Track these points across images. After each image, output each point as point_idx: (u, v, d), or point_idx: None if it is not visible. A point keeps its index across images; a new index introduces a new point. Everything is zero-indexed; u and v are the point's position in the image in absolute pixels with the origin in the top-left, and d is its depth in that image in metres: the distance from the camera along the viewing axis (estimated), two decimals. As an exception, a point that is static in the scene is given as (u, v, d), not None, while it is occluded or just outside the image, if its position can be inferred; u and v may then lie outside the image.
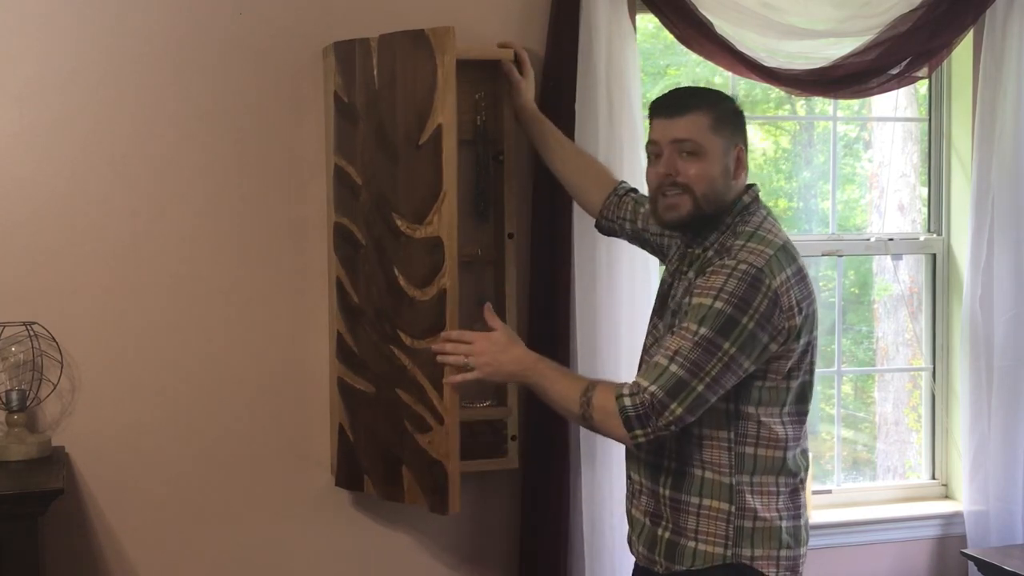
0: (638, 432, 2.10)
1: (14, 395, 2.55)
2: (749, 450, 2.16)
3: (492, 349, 2.31)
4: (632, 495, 2.32)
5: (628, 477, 2.34)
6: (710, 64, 3.06)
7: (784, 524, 2.19)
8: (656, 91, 3.35)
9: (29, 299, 2.62)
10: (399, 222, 2.52)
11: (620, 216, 2.62)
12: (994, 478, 3.23)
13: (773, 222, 2.22)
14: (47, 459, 2.54)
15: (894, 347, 3.60)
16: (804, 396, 2.21)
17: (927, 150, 3.46)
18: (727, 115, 2.22)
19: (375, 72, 2.56)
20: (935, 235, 3.45)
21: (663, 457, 2.22)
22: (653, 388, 2.08)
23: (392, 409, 2.56)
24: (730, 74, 3.12)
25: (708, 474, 2.17)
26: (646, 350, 2.35)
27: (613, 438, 2.19)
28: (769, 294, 2.08)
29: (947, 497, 3.45)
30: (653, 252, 2.61)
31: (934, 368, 3.46)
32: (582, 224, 2.87)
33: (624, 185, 2.67)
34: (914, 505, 3.40)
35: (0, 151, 2.62)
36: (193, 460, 2.77)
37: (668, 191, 2.21)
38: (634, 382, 2.13)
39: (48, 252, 2.65)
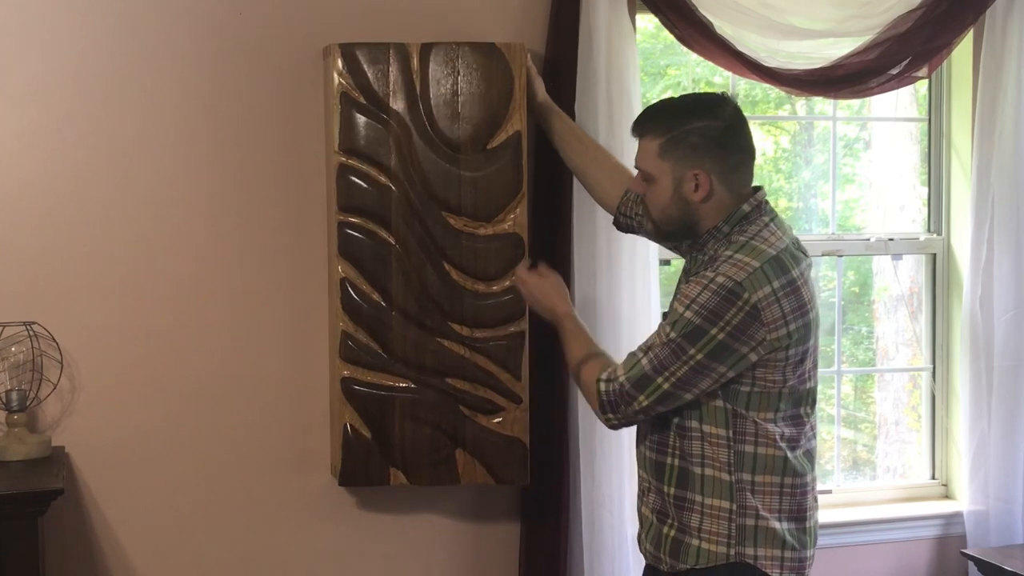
0: (610, 416, 2.23)
1: (14, 395, 2.55)
2: (749, 448, 2.16)
3: (539, 286, 2.47)
4: (642, 493, 2.34)
5: (639, 475, 2.36)
6: (710, 64, 3.07)
7: (787, 525, 2.18)
8: (656, 91, 3.36)
9: (29, 299, 2.62)
10: (453, 220, 2.67)
11: (639, 213, 2.59)
12: (994, 478, 3.23)
13: (774, 229, 2.19)
14: (47, 459, 2.54)
15: (894, 347, 3.60)
16: (800, 400, 2.20)
17: (927, 150, 3.46)
18: (683, 138, 2.17)
19: (416, 76, 2.65)
20: (935, 235, 3.45)
21: (666, 455, 2.23)
22: (623, 379, 2.19)
23: (442, 398, 2.70)
24: (730, 74, 3.12)
25: (708, 471, 2.18)
26: None
27: (584, 386, 2.30)
28: (746, 308, 2.08)
29: (947, 497, 3.44)
30: (674, 249, 2.58)
31: (934, 368, 3.46)
32: (582, 223, 2.87)
33: None
34: (914, 505, 3.39)
35: (1, 151, 2.62)
36: (193, 460, 2.77)
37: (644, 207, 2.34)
38: (613, 367, 2.24)
39: (48, 252, 2.65)
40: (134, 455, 2.73)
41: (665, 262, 3.14)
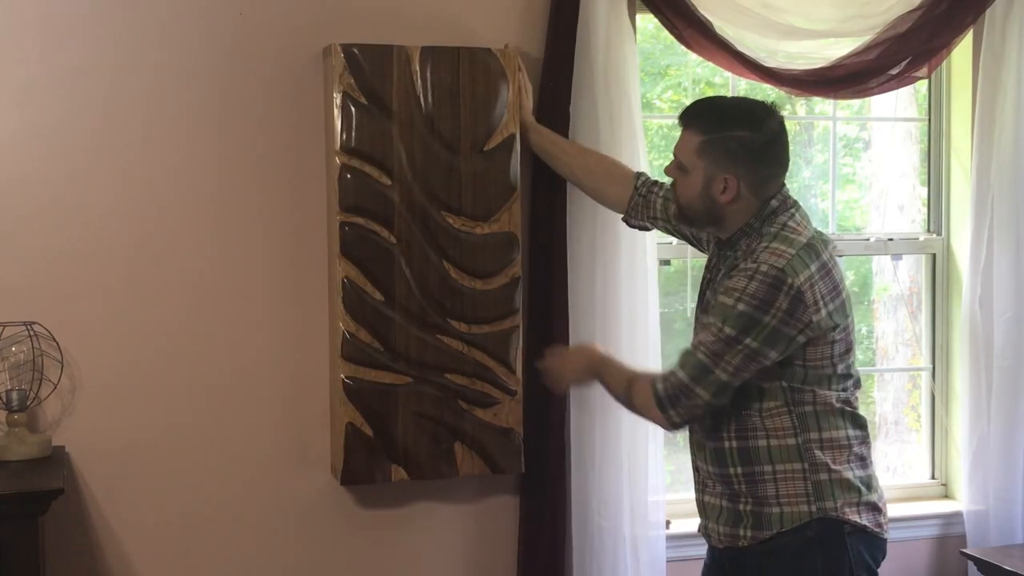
0: (670, 413, 2.25)
1: (14, 395, 2.55)
2: (808, 408, 2.24)
3: (558, 365, 2.49)
4: (702, 485, 2.39)
5: (696, 470, 2.41)
6: (710, 64, 3.07)
7: (858, 473, 2.28)
8: (656, 91, 3.36)
9: (29, 299, 2.62)
10: (452, 219, 2.71)
11: (651, 216, 2.66)
12: (994, 478, 3.23)
13: (800, 220, 2.28)
14: (47, 459, 2.54)
15: (894, 347, 3.60)
16: (849, 370, 2.30)
17: (927, 150, 3.46)
18: (723, 143, 2.25)
19: (416, 79, 2.67)
20: (935, 235, 3.45)
21: (723, 439, 2.29)
22: (680, 374, 2.23)
23: (442, 393, 2.75)
24: (730, 74, 3.12)
25: (773, 441, 2.25)
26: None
27: (651, 420, 2.32)
28: (792, 292, 2.16)
29: (947, 497, 3.45)
30: (690, 243, 2.66)
31: (934, 368, 3.46)
32: (582, 224, 2.87)
33: (644, 180, 2.68)
34: (914, 505, 3.39)
35: (1, 151, 2.62)
36: (193, 460, 2.77)
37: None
38: (666, 371, 2.29)
39: (48, 252, 2.65)
40: (134, 455, 2.73)
41: (665, 262, 3.14)
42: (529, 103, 2.82)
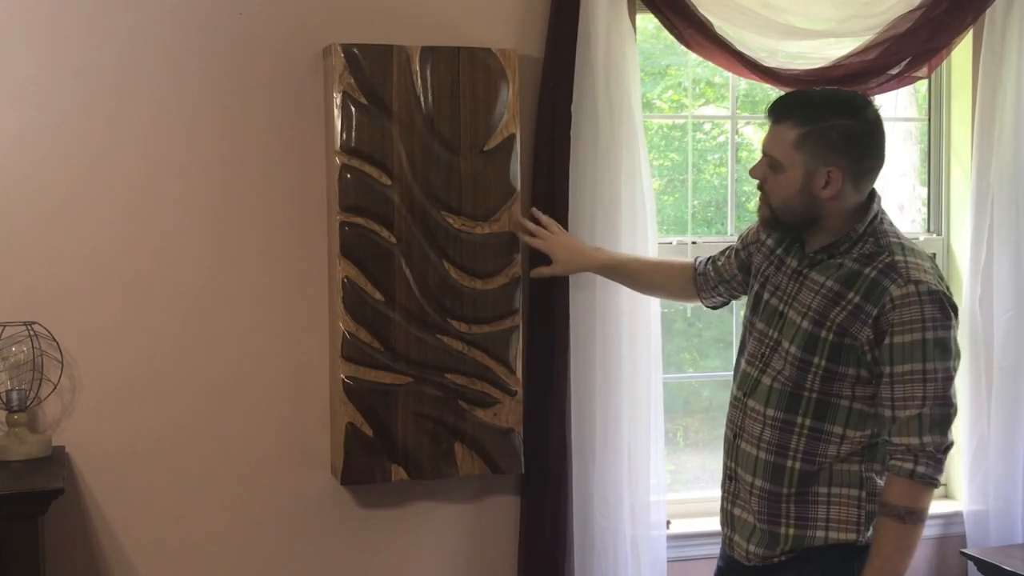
0: (938, 478, 2.12)
1: (14, 395, 2.55)
2: (876, 439, 2.19)
3: None
4: (735, 495, 2.29)
5: (731, 478, 2.31)
6: (710, 64, 3.07)
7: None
8: (656, 91, 3.35)
9: (29, 299, 2.62)
10: (452, 219, 2.71)
11: (711, 288, 2.61)
12: (994, 478, 3.23)
13: (894, 224, 2.24)
14: (47, 459, 2.54)
15: (894, 347, 3.59)
16: None
17: (927, 150, 3.46)
18: (822, 134, 2.13)
19: (416, 79, 2.67)
20: (935, 235, 3.45)
21: (787, 458, 2.21)
22: (927, 439, 2.10)
23: (442, 393, 2.75)
24: (730, 74, 3.13)
25: (838, 466, 2.18)
26: (757, 356, 2.29)
27: (927, 503, 2.15)
28: (950, 303, 2.13)
29: (947, 497, 3.44)
30: (744, 289, 2.53)
31: (934, 368, 3.46)
32: (580, 223, 2.87)
33: (698, 260, 2.66)
34: (914, 505, 3.39)
35: (1, 151, 2.62)
36: (193, 459, 2.77)
37: (759, 193, 2.26)
38: (903, 447, 2.11)
39: (48, 252, 2.65)
40: (134, 455, 2.73)
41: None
42: (571, 246, 2.78)
